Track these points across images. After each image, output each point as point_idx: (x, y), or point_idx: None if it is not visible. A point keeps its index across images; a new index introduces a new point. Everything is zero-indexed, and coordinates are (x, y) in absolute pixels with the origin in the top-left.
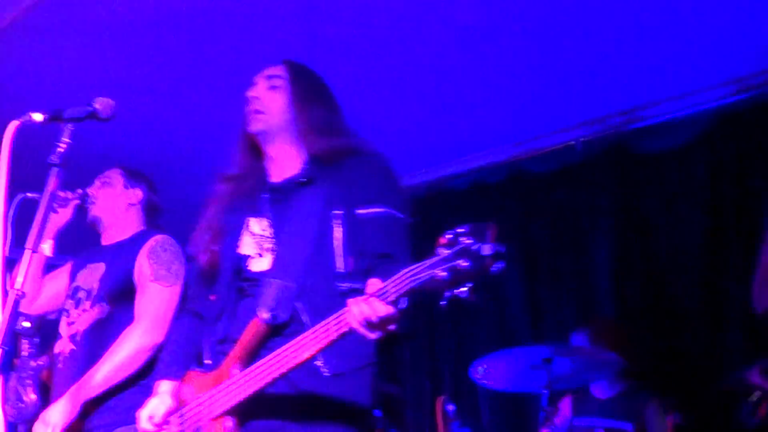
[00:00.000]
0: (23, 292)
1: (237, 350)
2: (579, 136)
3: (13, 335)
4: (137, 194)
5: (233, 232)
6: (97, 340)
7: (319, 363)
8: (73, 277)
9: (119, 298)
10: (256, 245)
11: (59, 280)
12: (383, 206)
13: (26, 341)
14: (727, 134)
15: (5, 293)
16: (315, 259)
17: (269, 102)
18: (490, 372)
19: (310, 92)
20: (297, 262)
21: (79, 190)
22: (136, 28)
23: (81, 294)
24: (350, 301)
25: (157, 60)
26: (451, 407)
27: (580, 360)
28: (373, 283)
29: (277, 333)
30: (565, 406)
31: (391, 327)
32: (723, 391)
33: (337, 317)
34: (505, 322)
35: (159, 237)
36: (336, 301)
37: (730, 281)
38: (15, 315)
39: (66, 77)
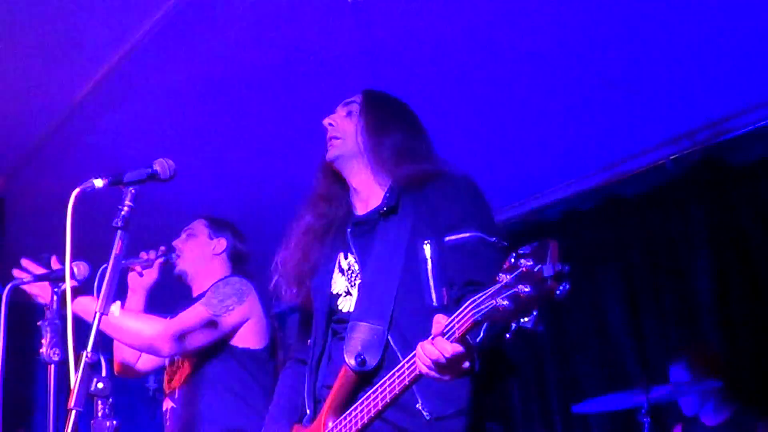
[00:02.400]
0: (95, 355)
1: (330, 400)
2: (668, 154)
3: (88, 397)
4: (221, 243)
5: (324, 269)
6: (192, 396)
7: (419, 406)
8: None
9: (207, 351)
10: (345, 283)
11: None
12: (471, 230)
13: (101, 402)
14: None
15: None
16: (404, 294)
17: (344, 127)
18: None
19: (386, 117)
20: (384, 299)
21: (162, 248)
22: (223, 84)
23: None
24: (420, 343)
25: (244, 112)
26: None
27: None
28: (439, 321)
29: (368, 380)
30: None
31: (465, 365)
32: None
33: (408, 361)
34: (609, 352)
35: (230, 277)
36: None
37: None
38: (88, 377)
39: (151, 136)
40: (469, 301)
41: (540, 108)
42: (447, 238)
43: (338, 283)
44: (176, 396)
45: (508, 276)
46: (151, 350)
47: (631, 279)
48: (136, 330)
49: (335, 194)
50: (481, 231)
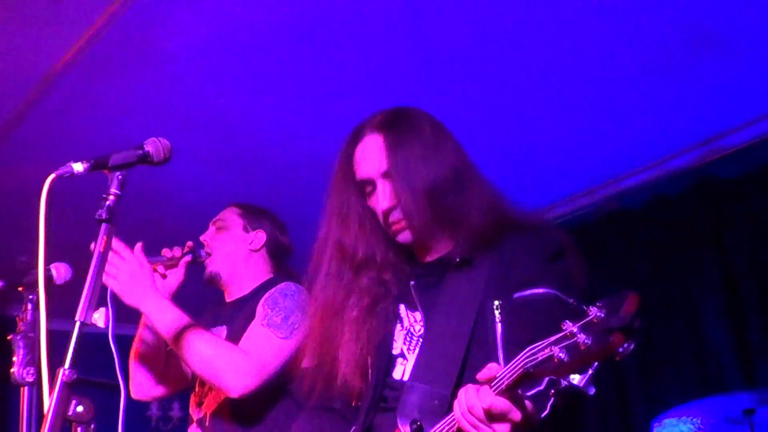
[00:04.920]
0: (73, 373)
1: None
2: None
3: (64, 422)
4: (260, 236)
5: (385, 325)
6: (226, 423)
7: None
8: None
9: None
10: (401, 345)
11: None
12: (546, 287)
13: (80, 428)
14: None
15: (50, 371)
16: (474, 359)
17: (408, 207)
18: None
19: (442, 172)
20: (451, 363)
21: (190, 243)
22: (227, 51)
23: None
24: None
25: (250, 85)
26: None
27: None
28: (490, 368)
29: None
30: None
31: (515, 417)
32: None
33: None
34: (705, 361)
35: (283, 284)
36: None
37: None
38: (63, 399)
39: (142, 113)
40: (527, 349)
41: (617, 75)
42: (517, 295)
43: (398, 342)
44: (207, 423)
45: (573, 325)
46: (222, 386)
47: (734, 278)
48: (208, 358)
49: (389, 250)
50: (557, 289)
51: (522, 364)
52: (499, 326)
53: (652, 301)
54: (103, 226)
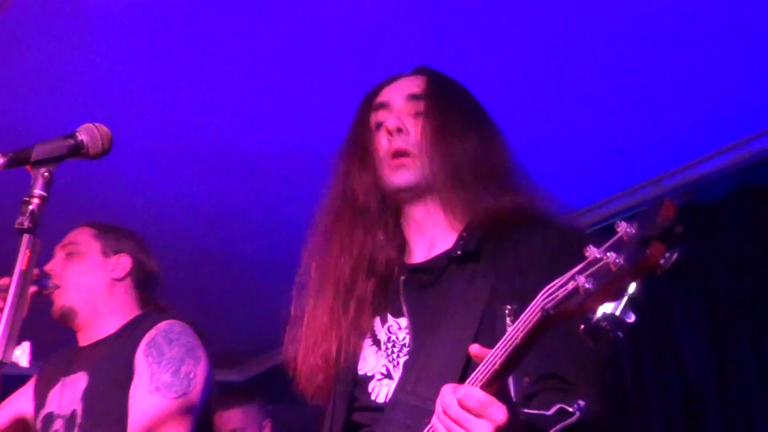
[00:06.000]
0: None
1: None
2: None
3: None
4: (123, 263)
5: (353, 339)
6: None
7: None
8: (40, 399)
9: (117, 423)
10: (382, 361)
11: (19, 404)
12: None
13: None
14: None
15: None
16: (473, 373)
17: (419, 138)
18: None
19: (464, 117)
20: (446, 376)
21: (36, 271)
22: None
23: (58, 424)
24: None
25: (217, 59)
26: None
27: None
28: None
29: None
30: None
31: (498, 416)
32: None
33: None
34: None
35: (163, 324)
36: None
37: None
38: None
39: (74, 92)
40: (544, 290)
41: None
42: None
43: (369, 361)
44: None
45: (598, 250)
46: None
47: None
48: None
49: (387, 226)
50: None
51: (540, 305)
52: None
53: (732, 311)
54: (25, 237)
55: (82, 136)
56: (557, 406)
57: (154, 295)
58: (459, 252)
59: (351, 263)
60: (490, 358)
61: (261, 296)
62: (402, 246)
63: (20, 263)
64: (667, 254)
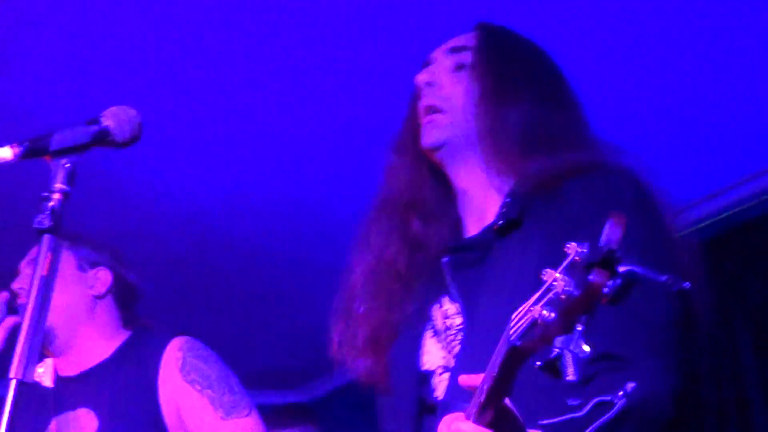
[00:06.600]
0: None
1: None
2: None
3: None
4: (104, 277)
5: (411, 331)
6: None
7: None
8: None
9: None
10: (443, 352)
11: None
12: (627, 263)
13: None
14: None
15: None
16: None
17: (452, 91)
18: None
19: (519, 75)
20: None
21: (5, 294)
22: None
23: None
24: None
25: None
26: None
27: None
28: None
29: None
30: None
31: None
32: None
33: None
34: None
35: (181, 343)
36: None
37: None
38: None
39: (96, 76)
40: (511, 318)
41: None
42: None
43: (432, 354)
44: None
45: (554, 271)
46: None
47: None
48: None
49: (434, 203)
50: (643, 264)
51: (507, 335)
52: None
53: None
54: (46, 238)
55: (107, 120)
56: (594, 401)
57: (136, 311)
58: (501, 222)
59: (405, 252)
60: (479, 386)
61: (322, 305)
62: (457, 224)
63: (41, 268)
64: (610, 282)
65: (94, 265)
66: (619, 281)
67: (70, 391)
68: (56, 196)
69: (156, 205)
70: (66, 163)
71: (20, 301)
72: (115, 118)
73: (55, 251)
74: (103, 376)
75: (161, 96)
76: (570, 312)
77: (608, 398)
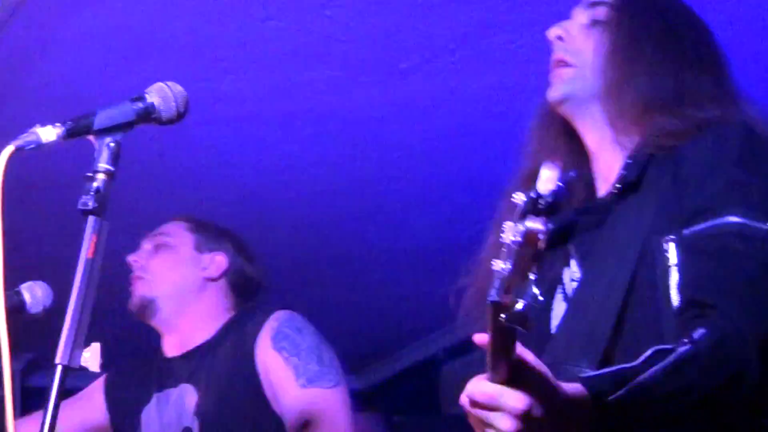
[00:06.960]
0: None
1: None
2: None
3: None
4: (219, 261)
5: (545, 295)
6: None
7: None
8: (126, 418)
9: None
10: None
11: (86, 413)
12: (727, 214)
13: None
14: None
15: None
16: (629, 326)
17: (582, 46)
18: None
19: (655, 31)
20: (597, 332)
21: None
22: None
23: None
24: None
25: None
26: None
27: None
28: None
29: None
30: None
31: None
32: None
33: None
34: None
35: (280, 315)
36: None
37: None
38: None
39: (139, 51)
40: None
41: None
42: (687, 230)
43: (559, 318)
44: None
45: (510, 223)
46: None
47: None
48: None
49: (569, 163)
50: (743, 215)
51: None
52: (674, 273)
53: None
54: (90, 219)
55: (152, 97)
56: (651, 350)
57: (252, 301)
58: (619, 186)
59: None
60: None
61: (387, 289)
62: (591, 184)
63: (86, 251)
64: (542, 228)
65: (212, 249)
66: (548, 226)
67: (173, 370)
68: (101, 176)
69: (212, 184)
70: (110, 142)
71: (133, 273)
72: (160, 95)
73: (100, 233)
74: (205, 354)
75: (226, 71)
76: (521, 261)
77: (669, 346)
